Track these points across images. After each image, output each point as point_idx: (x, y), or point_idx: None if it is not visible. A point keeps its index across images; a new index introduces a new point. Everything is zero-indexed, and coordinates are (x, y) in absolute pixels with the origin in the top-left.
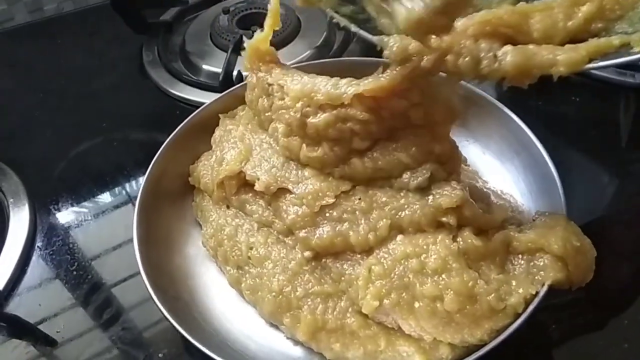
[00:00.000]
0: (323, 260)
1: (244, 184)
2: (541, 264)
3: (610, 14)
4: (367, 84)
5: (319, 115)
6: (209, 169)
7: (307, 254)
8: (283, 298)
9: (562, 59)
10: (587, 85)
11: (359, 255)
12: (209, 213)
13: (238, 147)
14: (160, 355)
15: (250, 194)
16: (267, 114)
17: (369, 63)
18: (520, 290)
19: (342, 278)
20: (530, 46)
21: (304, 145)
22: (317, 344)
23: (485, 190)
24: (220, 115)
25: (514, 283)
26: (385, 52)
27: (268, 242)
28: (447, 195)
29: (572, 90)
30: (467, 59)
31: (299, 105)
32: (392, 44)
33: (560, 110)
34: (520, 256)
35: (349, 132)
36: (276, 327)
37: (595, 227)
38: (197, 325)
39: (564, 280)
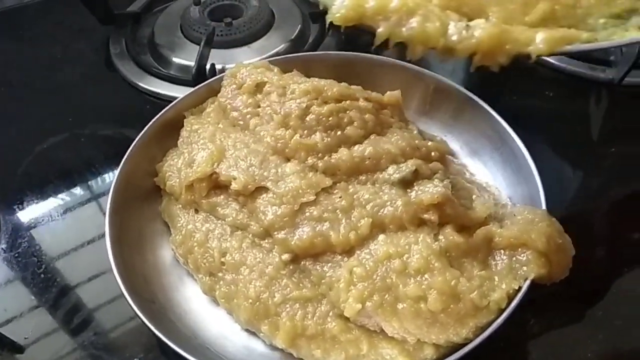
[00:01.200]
0: (302, 263)
1: (215, 186)
2: (523, 259)
3: (562, 20)
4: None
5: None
6: (176, 170)
7: (285, 256)
8: (260, 305)
9: (541, 37)
10: (560, 81)
11: (339, 257)
12: (177, 218)
13: (209, 147)
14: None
15: (222, 196)
16: (246, 110)
17: (343, 57)
18: (503, 286)
19: (323, 281)
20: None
21: (296, 135)
22: (297, 351)
23: (468, 185)
24: (185, 114)
25: (496, 279)
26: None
27: (243, 247)
28: (428, 191)
29: (545, 86)
30: (437, 24)
31: (305, 97)
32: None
33: (534, 105)
34: (502, 251)
35: (347, 120)
36: None
37: (570, 220)
38: (173, 328)
39: (545, 275)
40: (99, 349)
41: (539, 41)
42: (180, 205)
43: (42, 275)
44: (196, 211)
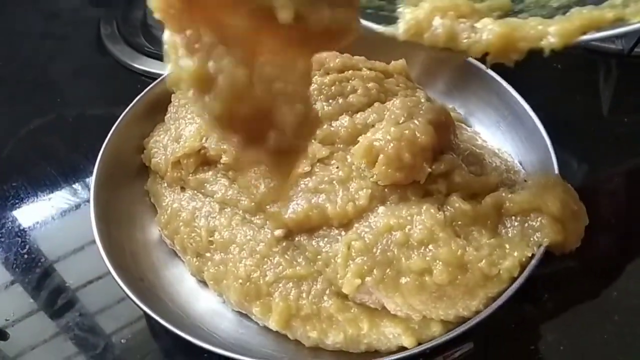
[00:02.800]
0: (297, 239)
1: (203, 162)
2: (536, 224)
3: None
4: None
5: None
6: (162, 147)
7: (278, 232)
8: (251, 285)
9: (554, 29)
10: (568, 52)
11: (337, 231)
12: (162, 197)
13: (197, 122)
14: (122, 341)
15: (211, 172)
16: None
17: None
18: (515, 254)
19: (319, 257)
20: (509, 19)
21: None
22: (292, 333)
23: (478, 152)
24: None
25: (507, 246)
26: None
27: (232, 224)
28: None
29: (553, 58)
30: (440, 30)
31: None
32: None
33: (542, 77)
34: (513, 218)
35: (350, 89)
36: None
37: (582, 191)
38: (163, 307)
39: (560, 242)
40: (84, 330)
41: (552, 34)
42: (166, 184)
43: (26, 256)
44: (182, 189)
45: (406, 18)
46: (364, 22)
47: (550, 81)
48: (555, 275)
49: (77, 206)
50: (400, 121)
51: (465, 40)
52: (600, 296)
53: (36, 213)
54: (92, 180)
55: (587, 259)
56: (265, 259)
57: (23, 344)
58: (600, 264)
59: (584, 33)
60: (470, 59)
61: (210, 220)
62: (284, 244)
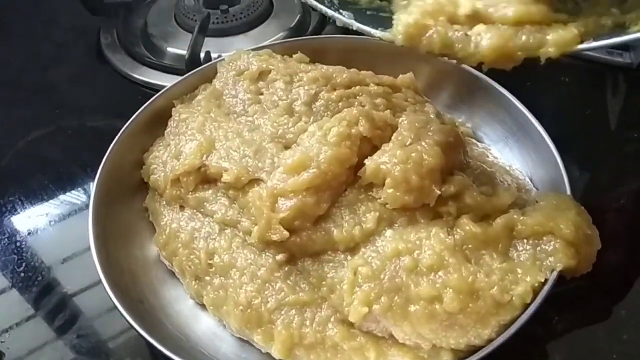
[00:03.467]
0: (300, 263)
1: (203, 180)
2: (549, 248)
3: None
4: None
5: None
6: (161, 163)
7: (280, 257)
8: (252, 312)
9: (552, 38)
10: (575, 65)
11: (342, 255)
12: (161, 216)
13: (197, 138)
14: None
15: (211, 191)
16: (247, 97)
17: (349, 41)
18: (528, 279)
19: (323, 282)
20: (504, 26)
21: (301, 122)
22: None
23: (490, 170)
24: (174, 102)
25: (519, 271)
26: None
27: (232, 247)
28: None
29: (560, 70)
30: (435, 36)
31: (314, 85)
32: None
33: (550, 90)
34: (525, 241)
35: (357, 105)
36: None
37: (592, 210)
38: (163, 329)
39: (573, 267)
40: (82, 353)
41: (550, 43)
42: (165, 202)
43: (23, 275)
44: (181, 208)
45: (402, 22)
46: (361, 26)
47: (557, 95)
48: (563, 294)
49: (75, 220)
50: (407, 143)
51: (459, 47)
52: (609, 315)
53: (33, 226)
54: (91, 196)
55: (594, 278)
56: (267, 285)
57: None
58: (608, 283)
59: (582, 42)
60: (479, 74)
61: (210, 242)
62: (287, 268)
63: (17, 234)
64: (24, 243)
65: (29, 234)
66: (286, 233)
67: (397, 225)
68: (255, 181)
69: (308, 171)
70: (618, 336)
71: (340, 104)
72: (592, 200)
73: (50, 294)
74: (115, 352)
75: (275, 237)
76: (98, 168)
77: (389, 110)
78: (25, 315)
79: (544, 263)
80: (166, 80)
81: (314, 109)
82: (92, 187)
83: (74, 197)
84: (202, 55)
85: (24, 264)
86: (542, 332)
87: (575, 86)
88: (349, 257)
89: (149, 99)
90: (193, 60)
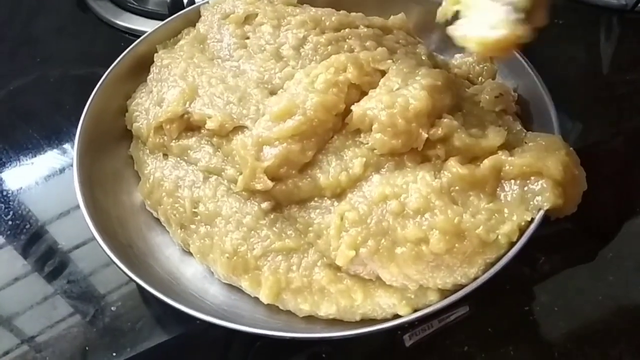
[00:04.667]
0: (286, 210)
1: (187, 127)
2: (537, 188)
3: None
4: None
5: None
6: (144, 110)
7: (265, 204)
8: (238, 259)
9: None
10: (570, 8)
11: (329, 201)
12: (144, 164)
13: (180, 85)
14: (113, 308)
15: (194, 139)
16: (232, 41)
17: None
18: (514, 218)
19: (310, 229)
20: None
21: (288, 67)
22: (283, 305)
23: (480, 113)
24: (157, 47)
25: (506, 211)
26: None
27: (217, 195)
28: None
29: (554, 13)
30: None
31: (302, 28)
32: None
33: (543, 33)
34: (512, 181)
35: (347, 48)
36: None
37: (582, 152)
38: (153, 273)
39: (560, 207)
40: (72, 297)
41: None
42: (148, 150)
43: (11, 223)
44: (165, 156)
45: None
46: None
47: (551, 38)
48: (550, 237)
49: (62, 170)
50: (395, 88)
51: None
52: (595, 258)
53: (19, 178)
54: (75, 145)
55: (582, 220)
56: (253, 232)
57: (9, 312)
58: (595, 226)
59: None
60: None
61: (194, 190)
62: (272, 216)
63: (4, 184)
64: (11, 193)
65: (16, 185)
66: (270, 183)
67: (384, 170)
68: (239, 128)
69: (293, 118)
70: (604, 277)
71: (329, 47)
72: (582, 143)
73: (39, 243)
74: (106, 297)
75: (259, 187)
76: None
77: (380, 48)
78: (15, 260)
79: (531, 203)
80: (149, 26)
81: (302, 53)
82: (77, 133)
83: (60, 146)
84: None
85: (11, 212)
86: (529, 273)
87: (569, 29)
88: (335, 203)
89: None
90: (176, 4)
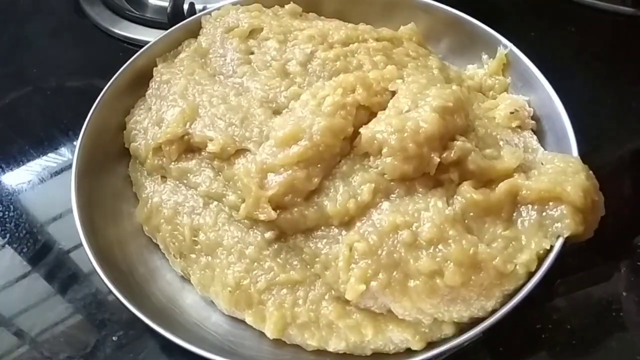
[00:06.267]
0: (291, 240)
1: (187, 149)
2: (556, 214)
3: None
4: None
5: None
6: (142, 130)
7: (269, 234)
8: (241, 293)
9: None
10: (580, 15)
11: (336, 230)
12: (142, 187)
13: (179, 105)
14: (114, 338)
15: (194, 161)
16: (236, 57)
17: None
18: (532, 246)
19: (317, 259)
20: None
21: (294, 85)
22: (289, 340)
23: (495, 131)
24: (157, 60)
25: (523, 238)
26: None
27: (218, 224)
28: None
29: (565, 20)
30: None
31: (309, 44)
32: None
33: (556, 41)
34: (530, 206)
35: (355, 64)
36: None
37: (598, 169)
38: (154, 302)
39: (580, 234)
40: (72, 327)
41: None
42: (146, 172)
43: (8, 246)
44: (163, 178)
45: None
46: None
47: (563, 46)
48: (564, 256)
49: (59, 186)
50: (405, 110)
51: None
52: (608, 273)
53: (17, 198)
54: (73, 165)
55: (596, 238)
56: (256, 264)
57: (9, 342)
58: (607, 240)
59: None
60: (479, 23)
61: (194, 217)
62: (276, 246)
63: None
64: (5, 211)
65: (10, 201)
66: (274, 214)
67: (394, 196)
68: (241, 151)
69: (299, 144)
70: (618, 294)
71: (337, 63)
72: (599, 161)
73: (36, 266)
74: (107, 326)
75: (262, 217)
76: (80, 131)
77: (390, 66)
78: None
79: (550, 229)
80: (148, 35)
81: (310, 70)
82: (75, 153)
83: (56, 162)
84: (185, 7)
85: (7, 235)
86: (541, 291)
87: (582, 36)
88: (343, 232)
89: (131, 55)
90: (176, 13)
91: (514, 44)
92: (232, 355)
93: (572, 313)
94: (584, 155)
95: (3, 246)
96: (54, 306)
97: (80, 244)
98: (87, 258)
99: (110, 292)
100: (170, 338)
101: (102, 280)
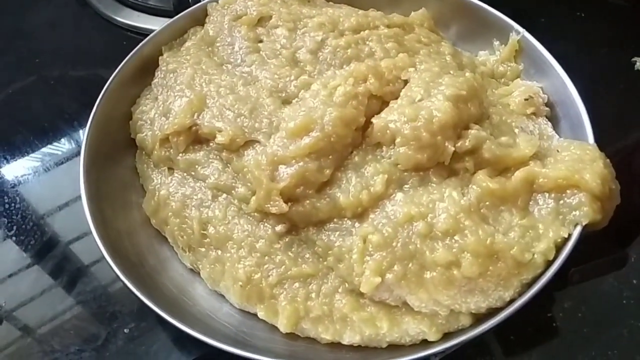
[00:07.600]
0: (303, 232)
1: (194, 140)
2: (573, 202)
3: None
4: None
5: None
6: (149, 120)
7: (279, 227)
8: (252, 287)
9: None
10: (590, 0)
11: (349, 222)
12: (149, 179)
13: (187, 95)
14: (125, 331)
15: (202, 152)
16: (245, 45)
17: None
18: (550, 234)
19: (330, 252)
20: None
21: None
22: (303, 334)
23: (510, 118)
24: (163, 48)
25: (540, 227)
26: None
27: (227, 217)
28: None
29: (575, 7)
30: None
31: (320, 31)
32: None
33: (566, 27)
34: (546, 195)
35: (367, 51)
36: None
37: (611, 156)
38: (166, 293)
39: (598, 222)
40: (82, 319)
41: None
42: (152, 163)
43: (15, 238)
44: (170, 170)
45: None
46: None
47: (574, 31)
48: (577, 244)
49: (66, 176)
50: (417, 99)
51: None
52: (620, 261)
53: (22, 190)
54: (81, 157)
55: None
56: (267, 258)
57: (18, 334)
58: (619, 229)
59: None
60: (490, 9)
61: (203, 210)
62: (287, 239)
63: (5, 195)
64: (13, 205)
65: (16, 192)
66: (285, 207)
67: (407, 186)
68: (251, 143)
69: (311, 135)
70: (628, 281)
71: (348, 51)
72: (613, 147)
73: (44, 258)
74: (119, 318)
75: (274, 210)
76: (85, 121)
77: (402, 54)
78: (19, 277)
79: (567, 217)
80: (152, 23)
81: (320, 58)
82: (82, 145)
83: (63, 154)
84: None
85: (14, 227)
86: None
87: (592, 22)
88: (356, 224)
89: (135, 44)
90: (181, 0)
91: (526, 29)
92: (245, 346)
93: (583, 301)
94: (597, 142)
95: (10, 237)
96: (63, 298)
97: (87, 235)
98: (95, 249)
99: (121, 283)
100: (182, 329)
101: (113, 271)
